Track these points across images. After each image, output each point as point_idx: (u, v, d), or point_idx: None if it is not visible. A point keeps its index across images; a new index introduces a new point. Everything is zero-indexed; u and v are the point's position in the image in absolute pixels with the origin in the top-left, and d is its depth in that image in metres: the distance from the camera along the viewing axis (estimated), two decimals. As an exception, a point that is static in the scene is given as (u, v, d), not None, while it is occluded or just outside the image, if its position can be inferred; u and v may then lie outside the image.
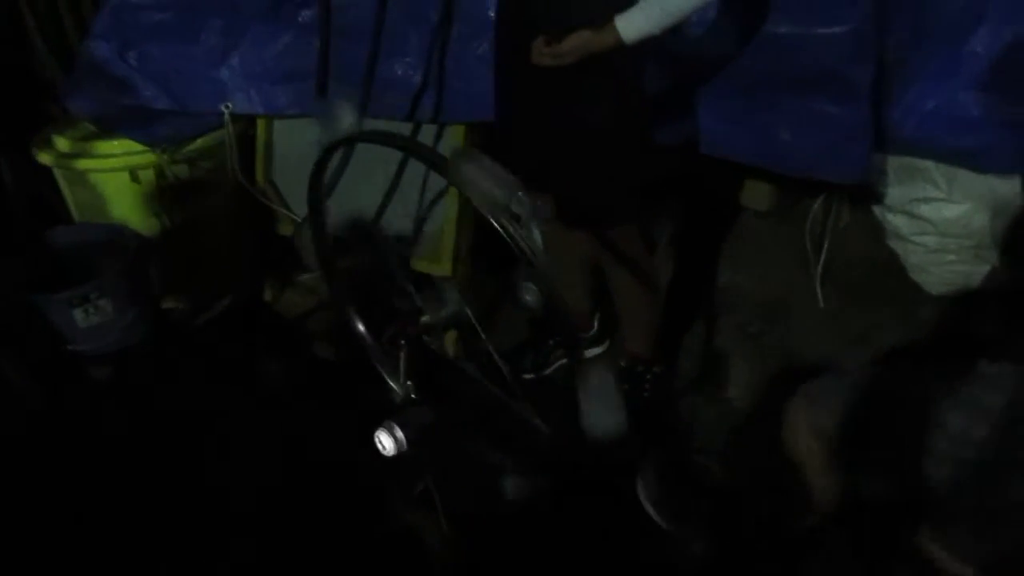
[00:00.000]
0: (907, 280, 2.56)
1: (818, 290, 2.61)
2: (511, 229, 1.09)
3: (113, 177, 2.53)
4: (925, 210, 2.39)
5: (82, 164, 2.53)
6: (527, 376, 2.43)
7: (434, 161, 1.26)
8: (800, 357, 2.44)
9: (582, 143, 1.90)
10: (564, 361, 2.43)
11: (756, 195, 2.76)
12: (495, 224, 1.11)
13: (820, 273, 2.62)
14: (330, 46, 2.36)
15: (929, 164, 2.32)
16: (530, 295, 2.49)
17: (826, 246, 2.62)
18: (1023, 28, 2.07)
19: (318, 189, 1.54)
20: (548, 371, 2.45)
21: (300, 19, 2.40)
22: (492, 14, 2.12)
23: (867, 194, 2.51)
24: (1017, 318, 2.46)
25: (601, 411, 1.12)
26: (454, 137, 2.40)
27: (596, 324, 2.51)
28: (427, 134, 2.41)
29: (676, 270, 2.74)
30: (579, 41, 1.72)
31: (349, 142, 1.37)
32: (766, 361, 2.44)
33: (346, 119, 1.27)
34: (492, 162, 1.09)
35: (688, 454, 2.19)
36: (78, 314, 2.31)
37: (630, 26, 1.70)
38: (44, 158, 2.53)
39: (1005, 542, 1.26)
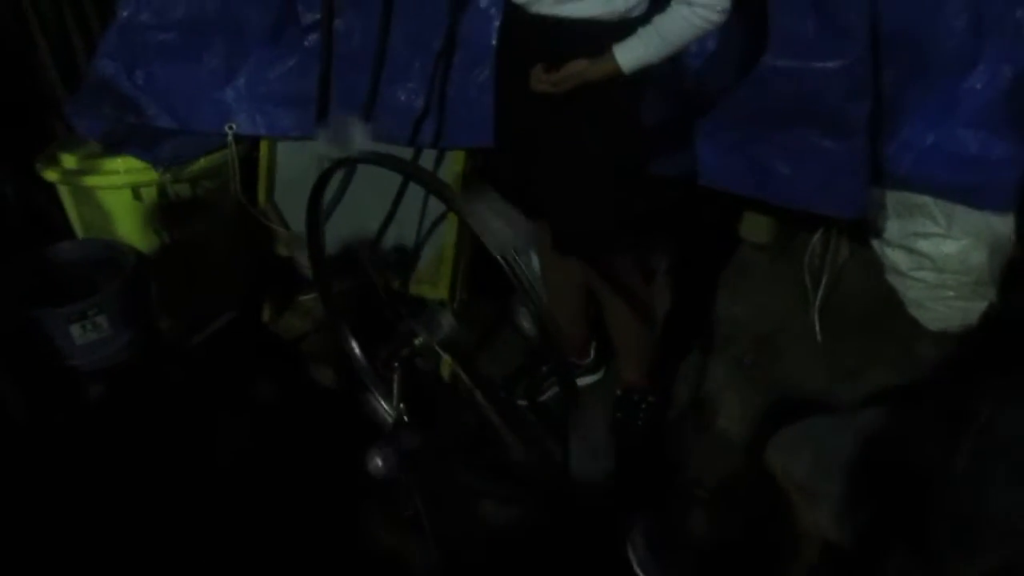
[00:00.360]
0: (905, 315, 2.56)
1: (816, 324, 2.61)
2: (512, 262, 1.09)
3: (115, 195, 2.54)
4: (923, 246, 2.40)
5: (85, 181, 2.54)
6: (521, 402, 2.42)
7: (439, 190, 1.27)
8: (795, 390, 2.43)
9: (579, 172, 1.91)
10: (558, 389, 2.43)
11: (755, 228, 2.77)
12: (494, 254, 1.12)
13: (818, 307, 2.62)
14: (333, 71, 2.39)
15: (927, 200, 2.33)
16: (527, 321, 2.51)
17: (824, 280, 2.62)
18: (1021, 66, 2.09)
19: (317, 210, 1.55)
20: (543, 398, 2.44)
21: (305, 43, 2.43)
22: (494, 42, 2.14)
23: (865, 229, 2.52)
24: (1014, 355, 2.45)
25: (589, 456, 1.11)
26: (455, 163, 2.42)
27: (592, 352, 2.50)
28: (427, 159, 2.43)
29: (674, 300, 2.74)
30: (577, 69, 1.74)
31: (355, 162, 1.38)
32: (761, 393, 2.43)
33: (357, 136, 1.28)
34: (503, 203, 1.10)
35: (679, 504, 2.17)
36: (75, 330, 2.31)
37: (629, 55, 1.72)
38: (48, 175, 2.55)
39: (992, 561, 1.26)
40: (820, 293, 2.61)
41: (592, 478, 1.14)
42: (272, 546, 2.01)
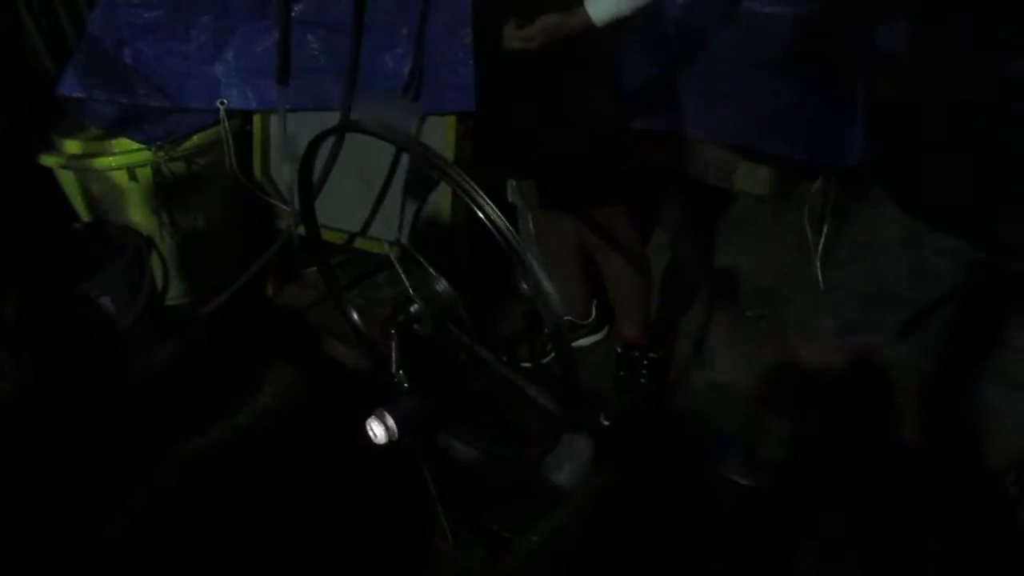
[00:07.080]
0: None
1: (819, 273, 2.59)
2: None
3: (111, 176, 2.55)
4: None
5: (81, 164, 2.54)
6: (524, 365, 2.43)
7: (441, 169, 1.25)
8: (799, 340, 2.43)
9: (560, 127, 1.89)
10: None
11: (755, 179, 2.74)
12: (483, 219, 1.11)
13: (820, 256, 2.60)
14: (322, 41, 2.37)
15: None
16: (528, 283, 2.48)
17: (825, 229, 2.60)
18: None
19: (308, 180, 1.55)
20: (545, 360, 2.45)
21: (293, 13, 2.41)
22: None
23: (865, 176, 2.49)
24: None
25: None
26: (446, 127, 2.40)
27: (594, 312, 2.50)
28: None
29: (675, 253, 2.73)
30: (548, 24, 1.70)
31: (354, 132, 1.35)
32: (765, 345, 2.43)
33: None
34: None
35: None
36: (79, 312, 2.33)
37: (599, 8, 1.68)
38: (45, 159, 2.56)
39: None
40: (822, 242, 2.59)
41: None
42: (278, 512, 2.04)
